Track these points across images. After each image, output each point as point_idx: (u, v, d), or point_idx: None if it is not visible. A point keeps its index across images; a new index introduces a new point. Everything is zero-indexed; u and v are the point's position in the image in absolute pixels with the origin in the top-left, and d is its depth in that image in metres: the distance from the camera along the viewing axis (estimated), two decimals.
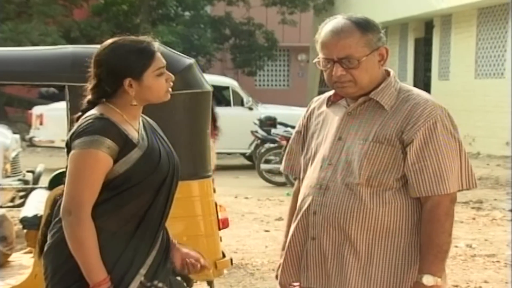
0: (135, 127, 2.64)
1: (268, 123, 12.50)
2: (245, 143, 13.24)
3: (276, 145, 11.92)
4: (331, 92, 2.72)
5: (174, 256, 2.79)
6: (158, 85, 2.62)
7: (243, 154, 13.91)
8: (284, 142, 11.30)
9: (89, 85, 2.67)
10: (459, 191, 2.54)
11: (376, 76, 2.58)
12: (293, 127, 12.02)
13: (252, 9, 22.71)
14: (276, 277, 2.85)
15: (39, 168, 7.90)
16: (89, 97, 2.66)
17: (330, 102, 2.72)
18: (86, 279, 2.51)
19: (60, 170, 5.50)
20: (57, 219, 2.64)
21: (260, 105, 14.41)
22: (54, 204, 2.79)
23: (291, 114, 14.13)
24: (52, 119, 13.25)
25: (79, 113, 2.67)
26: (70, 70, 4.29)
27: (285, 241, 2.84)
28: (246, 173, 12.62)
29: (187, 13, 22.87)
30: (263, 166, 11.75)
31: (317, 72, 24.02)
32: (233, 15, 22.72)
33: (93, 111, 2.60)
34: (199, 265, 2.82)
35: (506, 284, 5.87)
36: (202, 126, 4.64)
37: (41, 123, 13.90)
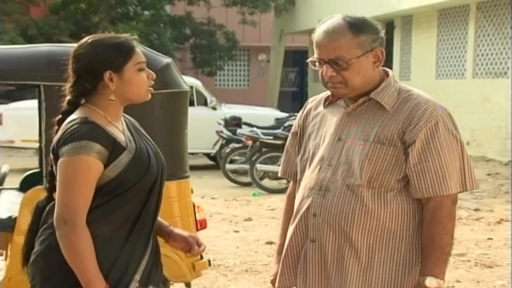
0: (119, 129, 2.56)
1: (233, 123, 12.46)
2: (209, 143, 13.17)
3: (241, 145, 11.88)
4: (328, 92, 2.67)
5: (177, 241, 2.74)
6: (139, 80, 2.54)
7: (207, 154, 13.83)
8: (250, 142, 11.29)
9: (67, 84, 2.57)
10: (459, 192, 2.51)
11: (371, 77, 2.53)
12: (258, 127, 12.03)
13: (212, 9, 22.62)
14: (272, 282, 2.81)
15: (4, 169, 7.73)
16: (68, 97, 2.56)
17: (328, 102, 2.68)
18: (81, 286, 2.42)
19: (32, 171, 5.40)
20: (45, 225, 2.55)
21: (223, 105, 14.36)
22: (37, 211, 2.66)
23: (255, 114, 14.15)
24: (11, 119, 12.97)
25: (60, 116, 2.57)
26: (46, 69, 4.19)
27: (280, 244, 2.80)
28: (209, 173, 12.54)
29: (146, 12, 22.68)
30: (228, 166, 11.71)
31: (278, 72, 24.10)
32: (193, 15, 22.59)
33: (76, 115, 2.50)
34: (203, 246, 2.77)
35: (478, 283, 5.92)
36: (180, 126, 4.58)
37: (0, 123, 13.62)
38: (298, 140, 2.78)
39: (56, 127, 2.56)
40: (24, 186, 5.00)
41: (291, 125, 12.20)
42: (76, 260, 2.41)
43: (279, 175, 2.97)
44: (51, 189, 2.61)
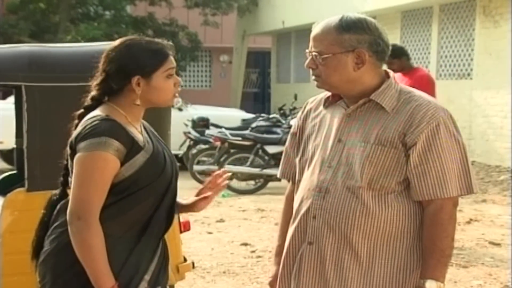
0: (138, 130, 2.56)
1: (201, 124, 12.39)
2: (176, 144, 13.03)
3: (208, 146, 11.82)
4: (328, 93, 2.67)
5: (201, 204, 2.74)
6: (167, 87, 2.55)
7: (174, 156, 13.70)
8: (218, 143, 11.24)
9: (94, 81, 2.58)
10: (460, 195, 2.50)
11: (353, 78, 2.50)
12: (227, 128, 11.99)
13: (174, 10, 22.49)
14: (270, 284, 2.79)
15: None
16: (93, 93, 2.57)
17: (328, 103, 2.67)
18: (91, 285, 2.41)
19: (9, 173, 5.27)
20: (56, 224, 2.55)
21: (189, 106, 14.28)
22: (50, 204, 2.68)
23: (221, 115, 14.10)
24: None
25: (81, 110, 2.58)
26: (27, 69, 4.12)
27: (279, 246, 2.79)
28: None
29: (107, 12, 22.47)
30: (196, 168, 11.63)
31: (240, 73, 24.06)
32: (155, 15, 22.44)
33: (97, 112, 2.51)
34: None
35: (455, 283, 5.97)
36: (163, 128, 4.54)
37: None
38: (297, 141, 2.76)
39: (76, 121, 2.56)
40: (1, 189, 4.88)
41: (258, 126, 12.33)
42: (88, 256, 2.40)
43: (278, 176, 2.95)
44: (65, 183, 2.62)
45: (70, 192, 2.48)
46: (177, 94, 2.61)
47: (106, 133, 2.42)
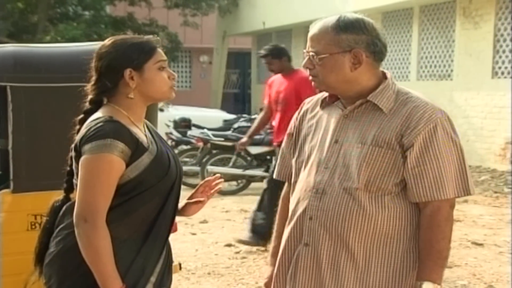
0: (141, 130, 2.55)
1: (183, 124, 12.36)
2: None
3: (191, 146, 11.79)
4: (325, 94, 2.66)
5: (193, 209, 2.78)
6: (160, 79, 2.54)
7: None
8: (200, 144, 11.20)
9: (89, 83, 2.57)
10: (457, 197, 2.50)
11: (350, 78, 2.49)
12: (209, 129, 11.96)
13: (154, 11, 22.43)
14: (265, 285, 2.78)
15: None
16: (90, 96, 2.56)
17: (324, 104, 2.65)
18: (98, 286, 2.40)
19: None
20: (61, 226, 2.53)
21: (171, 106, 14.24)
22: (53, 210, 2.65)
23: (203, 116, 14.08)
24: None
25: (82, 115, 2.57)
26: (12, 70, 4.07)
27: (274, 247, 2.78)
28: None
29: (86, 12, 22.36)
30: None
31: (221, 74, 24.04)
32: (135, 16, 22.37)
33: (100, 114, 2.50)
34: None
35: None
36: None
37: None
38: (294, 141, 2.74)
39: (77, 127, 2.55)
40: None
41: (240, 127, 12.31)
42: (94, 259, 2.38)
43: (274, 176, 2.93)
44: (68, 189, 2.61)
45: (76, 195, 2.47)
46: (174, 87, 2.60)
47: (110, 135, 2.41)
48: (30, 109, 4.02)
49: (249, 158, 11.18)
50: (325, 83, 2.53)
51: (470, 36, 13.39)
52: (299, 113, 2.76)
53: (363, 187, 2.46)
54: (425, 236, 2.45)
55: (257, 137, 11.45)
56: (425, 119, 2.44)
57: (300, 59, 22.07)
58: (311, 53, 2.51)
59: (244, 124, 12.32)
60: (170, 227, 2.62)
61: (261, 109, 14.19)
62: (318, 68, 2.50)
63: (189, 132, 11.73)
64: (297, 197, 2.60)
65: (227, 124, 13.21)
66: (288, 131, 2.80)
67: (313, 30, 2.54)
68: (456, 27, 13.82)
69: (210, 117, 14.28)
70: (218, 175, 2.91)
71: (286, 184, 2.81)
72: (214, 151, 11.24)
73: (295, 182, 2.67)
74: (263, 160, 11.23)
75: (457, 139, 2.50)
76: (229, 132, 11.74)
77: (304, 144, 2.67)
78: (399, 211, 2.47)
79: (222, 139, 11.27)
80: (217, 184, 2.83)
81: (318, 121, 2.64)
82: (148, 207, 2.51)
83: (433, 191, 2.44)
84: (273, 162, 11.17)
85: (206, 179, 2.87)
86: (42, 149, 4.02)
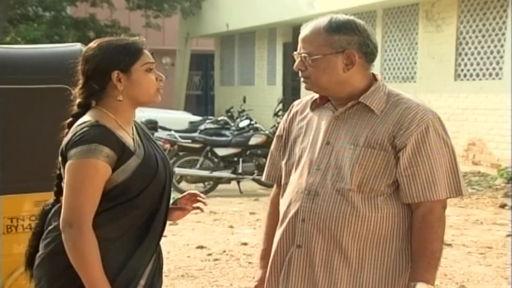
0: (129, 133, 2.52)
1: (150, 126, 12.24)
2: None
3: None
4: (315, 95, 2.66)
5: (176, 215, 2.77)
6: (148, 81, 2.53)
7: None
8: (167, 146, 11.14)
9: (77, 87, 2.55)
10: (449, 198, 2.52)
11: (343, 79, 2.50)
12: (176, 131, 11.91)
13: (116, 12, 22.26)
14: None
15: None
16: (78, 100, 2.53)
17: (315, 106, 2.65)
18: None
19: None
20: (50, 227, 2.51)
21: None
22: (43, 213, 2.63)
23: (169, 118, 14.01)
24: None
25: (70, 119, 2.54)
26: None
27: (264, 249, 2.77)
28: None
29: (47, 13, 22.10)
30: None
31: (184, 76, 23.96)
32: (97, 17, 22.17)
33: (87, 118, 2.47)
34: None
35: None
36: None
37: None
38: (283, 143, 2.74)
39: (66, 130, 2.52)
40: None
41: (207, 128, 12.26)
42: (81, 263, 2.36)
43: (263, 179, 2.92)
44: (58, 192, 2.57)
45: (63, 200, 2.45)
46: (161, 90, 2.58)
47: (95, 140, 2.38)
48: (7, 111, 3.97)
49: (216, 160, 11.17)
50: (317, 85, 2.53)
51: (433, 39, 13.56)
52: (288, 115, 2.76)
53: (356, 188, 2.46)
54: (418, 237, 2.46)
55: (223, 138, 11.48)
56: (417, 120, 2.46)
57: (263, 61, 21.99)
58: (303, 55, 2.51)
59: (211, 126, 12.30)
60: (163, 229, 2.60)
61: (227, 111, 14.22)
62: (311, 69, 2.50)
63: (155, 134, 11.65)
64: (289, 199, 2.59)
65: (193, 126, 13.17)
66: (277, 133, 2.79)
67: (305, 31, 2.54)
68: (419, 30, 13.98)
69: (176, 119, 14.22)
70: (205, 197, 2.89)
71: (275, 186, 2.81)
72: (181, 153, 11.20)
73: (285, 184, 2.66)
74: (230, 162, 11.23)
75: (448, 140, 2.52)
76: (196, 134, 11.71)
77: (294, 146, 2.66)
78: (392, 212, 2.48)
79: (189, 141, 11.24)
80: (200, 201, 2.81)
81: (309, 123, 2.64)
82: (138, 211, 2.49)
83: (425, 192, 2.45)
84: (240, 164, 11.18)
85: (193, 192, 2.85)
86: (20, 151, 3.97)
